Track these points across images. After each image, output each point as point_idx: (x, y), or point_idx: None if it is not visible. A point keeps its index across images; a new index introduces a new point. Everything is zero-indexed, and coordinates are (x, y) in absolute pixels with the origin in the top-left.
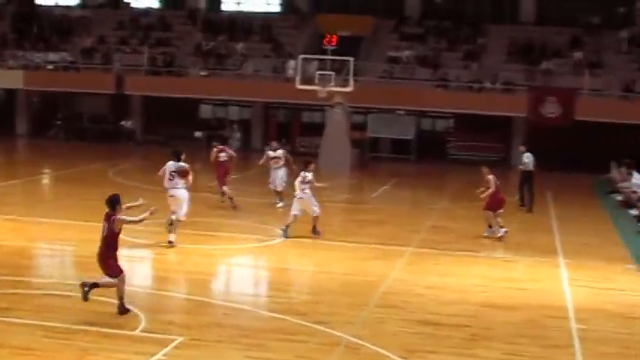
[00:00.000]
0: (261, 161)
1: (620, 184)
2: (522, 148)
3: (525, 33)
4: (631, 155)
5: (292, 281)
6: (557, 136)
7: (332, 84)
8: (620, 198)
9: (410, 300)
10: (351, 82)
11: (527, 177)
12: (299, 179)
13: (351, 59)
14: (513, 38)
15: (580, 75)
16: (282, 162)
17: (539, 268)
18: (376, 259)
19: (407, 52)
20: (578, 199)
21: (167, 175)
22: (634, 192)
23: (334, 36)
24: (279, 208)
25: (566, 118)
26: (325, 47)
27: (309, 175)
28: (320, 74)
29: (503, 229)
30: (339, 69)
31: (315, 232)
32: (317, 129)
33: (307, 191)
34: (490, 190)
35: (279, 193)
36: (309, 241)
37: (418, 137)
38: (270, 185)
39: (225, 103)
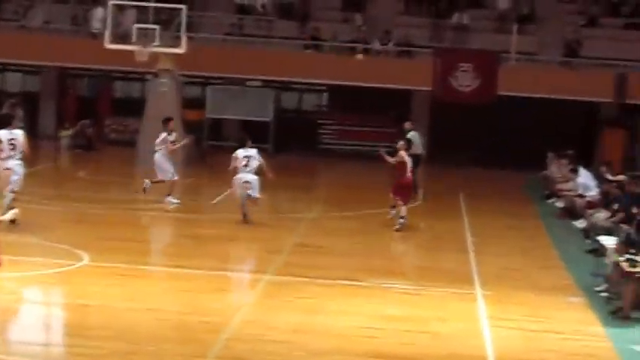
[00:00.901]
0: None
1: (560, 185)
2: (408, 125)
3: None
4: (575, 145)
5: (99, 323)
6: (474, 117)
7: (156, 43)
8: (560, 204)
9: (265, 349)
10: (184, 40)
11: (415, 162)
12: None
13: (184, 7)
14: None
15: (506, 33)
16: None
17: (449, 303)
18: (219, 292)
19: None
20: (503, 206)
21: None
22: (580, 196)
23: None
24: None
25: (487, 93)
26: None
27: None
28: (139, 29)
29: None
30: (167, 22)
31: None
32: (135, 106)
33: None
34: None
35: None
36: (125, 266)
37: (278, 119)
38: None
39: (1, 69)
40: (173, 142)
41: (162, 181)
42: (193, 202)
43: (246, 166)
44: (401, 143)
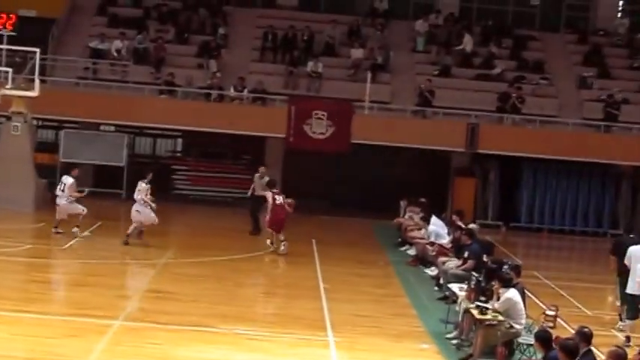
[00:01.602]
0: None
1: (412, 233)
2: (262, 169)
3: (285, 21)
4: (427, 193)
5: None
6: (328, 164)
7: (9, 85)
8: (412, 252)
9: None
10: (37, 83)
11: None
12: None
13: (37, 51)
14: (268, 28)
15: (360, 81)
16: None
17: (301, 349)
18: (69, 338)
19: (118, 44)
20: (356, 252)
21: None
22: (431, 244)
23: (13, 15)
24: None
25: (341, 141)
26: None
27: None
28: None
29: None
30: (20, 64)
31: None
32: None
33: None
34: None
35: None
36: None
37: (131, 164)
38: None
39: None
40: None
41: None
42: (44, 247)
43: None
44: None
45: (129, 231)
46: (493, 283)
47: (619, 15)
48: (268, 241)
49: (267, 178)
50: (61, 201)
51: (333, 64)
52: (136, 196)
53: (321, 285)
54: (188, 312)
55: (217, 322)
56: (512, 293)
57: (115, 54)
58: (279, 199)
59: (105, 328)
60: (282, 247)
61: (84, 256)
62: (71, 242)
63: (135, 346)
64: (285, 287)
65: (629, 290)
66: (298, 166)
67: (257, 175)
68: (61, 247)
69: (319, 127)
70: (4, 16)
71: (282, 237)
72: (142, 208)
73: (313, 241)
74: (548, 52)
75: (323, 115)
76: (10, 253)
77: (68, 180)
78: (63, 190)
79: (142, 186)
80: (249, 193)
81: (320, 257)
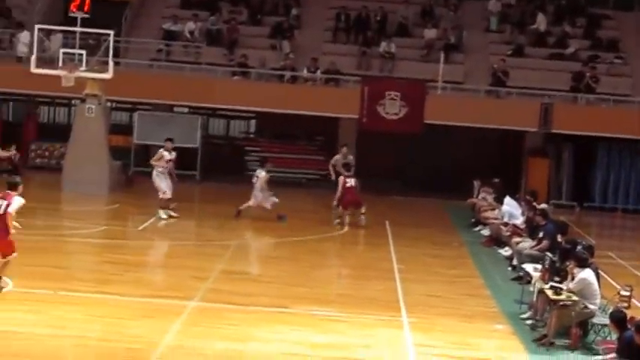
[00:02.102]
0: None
1: (485, 213)
2: (344, 150)
3: (357, 2)
4: (501, 173)
5: (23, 351)
6: (401, 145)
7: (83, 68)
8: (486, 232)
9: None
10: (111, 65)
11: None
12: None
13: (111, 33)
14: (341, 9)
15: (433, 62)
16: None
17: (375, 330)
18: (145, 318)
19: (191, 25)
20: (429, 233)
21: None
22: (505, 224)
23: None
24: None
25: (414, 121)
26: (73, 15)
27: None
28: (65, 53)
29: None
30: (94, 47)
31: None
32: (61, 132)
33: None
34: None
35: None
36: (46, 292)
37: (205, 145)
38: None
39: None
40: (169, 161)
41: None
42: (119, 228)
43: None
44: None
45: (242, 207)
46: (568, 263)
47: None
48: (336, 221)
49: (350, 157)
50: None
51: (406, 44)
52: (255, 183)
53: (395, 266)
54: (264, 293)
55: (293, 303)
56: (587, 273)
57: (188, 35)
58: (350, 182)
59: (180, 309)
60: (362, 217)
61: (159, 238)
62: (145, 224)
63: (210, 326)
64: (360, 268)
65: None
66: (371, 146)
67: (338, 156)
68: (137, 229)
69: (392, 108)
70: None
71: (363, 210)
72: (259, 193)
73: (387, 222)
74: (623, 31)
75: (396, 95)
76: (85, 235)
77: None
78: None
79: (262, 174)
80: (333, 176)
81: (394, 238)
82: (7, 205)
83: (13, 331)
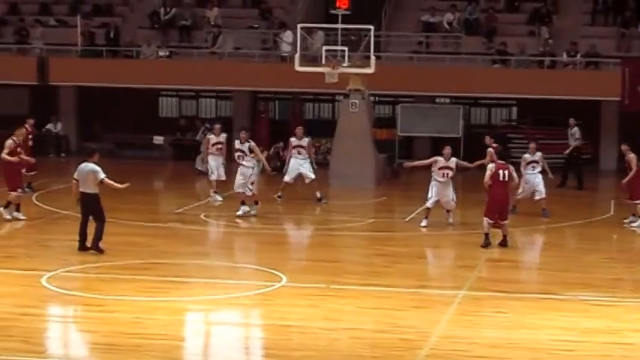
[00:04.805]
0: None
1: None
2: (572, 121)
3: None
4: None
5: (300, 344)
6: None
7: (345, 64)
8: None
9: None
10: (373, 60)
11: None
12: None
13: (372, 28)
14: None
15: None
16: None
17: None
18: (415, 309)
19: (449, 16)
20: None
21: None
22: None
23: None
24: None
25: None
26: (334, 12)
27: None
28: (328, 50)
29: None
30: (355, 42)
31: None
32: (326, 127)
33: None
34: (632, 173)
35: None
36: (319, 287)
37: (468, 135)
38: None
39: (195, 95)
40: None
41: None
42: (386, 220)
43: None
44: (625, 147)
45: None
46: None
47: None
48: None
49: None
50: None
51: None
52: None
53: None
54: (531, 280)
55: (561, 289)
56: None
57: (447, 26)
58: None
59: (450, 298)
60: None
61: (432, 226)
62: (412, 215)
63: (481, 315)
64: (626, 252)
65: None
66: (635, 128)
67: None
68: (404, 220)
69: None
70: None
71: None
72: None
73: None
74: None
75: None
76: (354, 228)
77: None
78: None
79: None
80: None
81: None
82: None
83: (290, 325)
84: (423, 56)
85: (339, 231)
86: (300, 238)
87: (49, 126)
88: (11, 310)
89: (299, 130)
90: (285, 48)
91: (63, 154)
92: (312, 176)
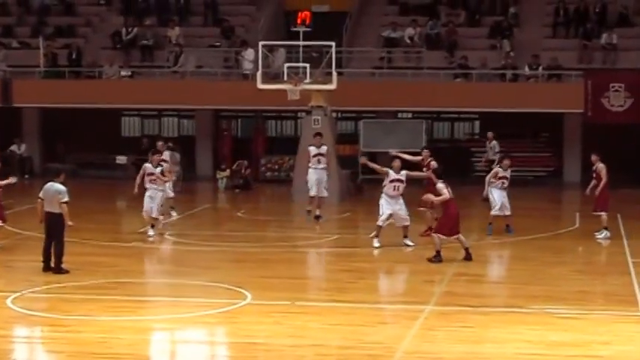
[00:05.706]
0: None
1: None
2: (490, 135)
3: None
4: None
5: None
6: (628, 137)
7: (307, 80)
8: None
9: None
10: (335, 76)
11: None
12: None
13: (333, 44)
14: (559, 3)
15: None
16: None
17: (613, 326)
18: (381, 325)
19: (410, 31)
20: None
21: None
22: None
23: (306, 12)
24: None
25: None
26: (295, 30)
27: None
28: (290, 68)
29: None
30: (317, 59)
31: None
32: (289, 144)
33: None
34: (602, 184)
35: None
36: (284, 304)
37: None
38: None
39: (157, 115)
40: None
41: None
42: (351, 236)
43: None
44: (594, 157)
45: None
46: None
47: None
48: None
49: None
50: None
51: (629, 34)
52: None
53: (630, 260)
54: (497, 293)
55: (527, 302)
56: None
57: (408, 41)
58: None
59: (416, 313)
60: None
61: (392, 244)
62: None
63: (447, 330)
64: (592, 264)
65: None
66: (597, 140)
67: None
68: (368, 235)
69: (617, 100)
70: (299, 14)
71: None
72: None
73: (618, 215)
74: None
75: (620, 87)
76: (319, 245)
77: None
78: None
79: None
80: None
81: (626, 231)
82: None
83: (256, 342)
84: (385, 71)
85: (303, 247)
86: (264, 255)
87: (13, 147)
88: None
89: (317, 139)
90: (247, 66)
91: (26, 176)
92: (326, 194)
